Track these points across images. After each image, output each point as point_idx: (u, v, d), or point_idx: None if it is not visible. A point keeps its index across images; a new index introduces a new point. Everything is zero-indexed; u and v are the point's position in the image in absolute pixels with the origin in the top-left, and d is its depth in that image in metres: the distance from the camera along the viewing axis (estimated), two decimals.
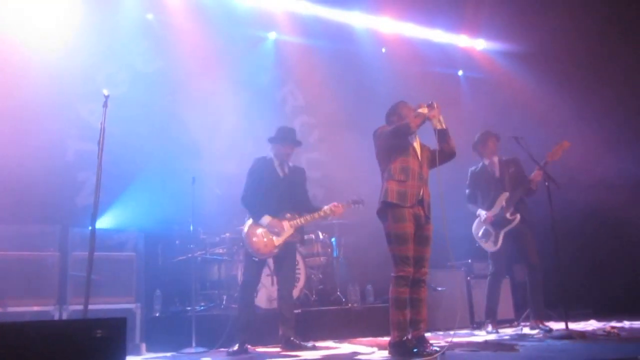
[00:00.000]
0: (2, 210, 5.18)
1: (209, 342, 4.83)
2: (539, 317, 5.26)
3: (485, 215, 5.44)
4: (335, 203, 4.83)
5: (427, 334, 4.15)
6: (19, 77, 5.80)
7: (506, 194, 5.40)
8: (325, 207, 4.81)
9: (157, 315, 5.28)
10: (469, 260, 6.32)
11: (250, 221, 4.73)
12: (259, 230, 4.66)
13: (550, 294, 5.45)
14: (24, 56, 5.90)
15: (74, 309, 4.67)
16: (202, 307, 5.56)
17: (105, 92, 3.84)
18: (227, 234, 5.95)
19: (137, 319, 4.89)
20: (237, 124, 7.27)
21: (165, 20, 7.04)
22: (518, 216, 5.32)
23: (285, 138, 4.86)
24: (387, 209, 3.97)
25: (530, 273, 5.32)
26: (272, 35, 7.83)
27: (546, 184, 5.09)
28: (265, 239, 4.64)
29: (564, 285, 4.82)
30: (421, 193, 4.01)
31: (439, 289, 5.72)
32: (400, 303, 3.90)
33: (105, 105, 3.84)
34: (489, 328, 5.40)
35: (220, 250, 5.93)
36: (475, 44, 8.79)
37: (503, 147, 6.12)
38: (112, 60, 6.66)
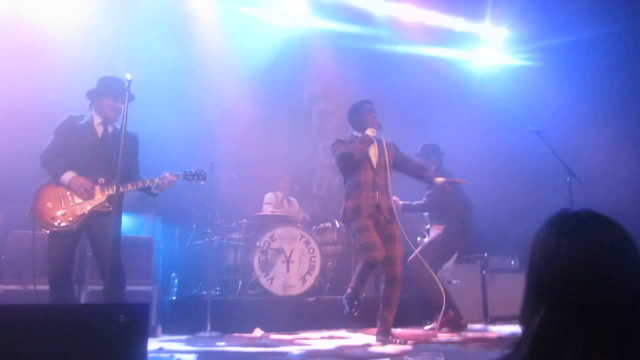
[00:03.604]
0: (22, 190, 5.23)
1: (224, 326, 4.87)
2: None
3: None
4: (166, 173, 4.06)
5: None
6: (37, 59, 5.80)
7: None
8: (154, 178, 3.99)
9: (174, 298, 5.33)
10: (485, 254, 6.27)
11: (45, 184, 3.76)
12: (59, 193, 3.68)
13: None
14: (43, 38, 5.89)
15: (92, 289, 4.72)
16: (217, 292, 5.61)
17: (128, 76, 3.74)
18: (244, 220, 5.97)
19: (153, 302, 4.92)
20: (254, 110, 7.26)
21: (186, 4, 7.00)
22: None
23: (112, 90, 3.90)
24: (348, 222, 4.36)
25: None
26: (290, 22, 7.75)
27: (567, 179, 5.04)
28: (63, 204, 3.65)
29: None
30: (376, 202, 4.24)
31: (454, 282, 5.70)
32: (363, 276, 4.25)
33: (128, 89, 3.82)
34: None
35: (237, 236, 5.95)
36: (498, 33, 8.63)
37: (524, 140, 6.04)
38: (132, 43, 6.65)
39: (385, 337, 4.21)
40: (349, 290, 4.30)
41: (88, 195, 3.70)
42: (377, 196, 4.25)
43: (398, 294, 4.27)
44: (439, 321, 4.89)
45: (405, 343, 4.14)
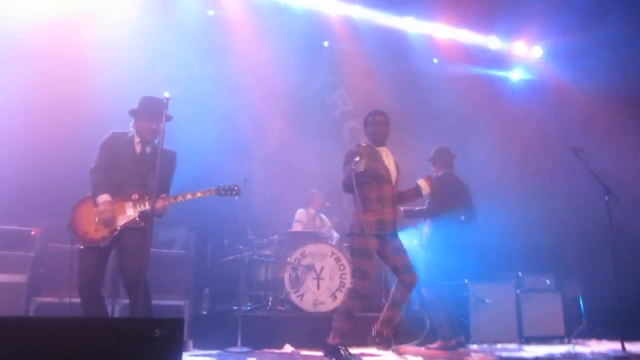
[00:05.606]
0: (60, 205, 5.37)
1: (254, 342, 4.87)
2: None
3: None
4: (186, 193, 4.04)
5: (473, 346, 4.37)
6: (78, 73, 5.97)
7: None
8: (178, 195, 4.00)
9: (205, 313, 5.37)
10: (519, 274, 6.13)
11: (83, 199, 3.88)
12: (94, 210, 3.80)
13: (607, 312, 5.25)
14: (84, 54, 6.08)
15: (125, 302, 4.80)
16: (248, 308, 5.63)
17: (167, 94, 3.86)
18: (275, 236, 6.00)
19: (185, 316, 4.98)
20: (286, 127, 7.33)
21: (222, 21, 7.16)
22: None
23: (150, 112, 3.98)
24: (360, 234, 4.10)
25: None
26: (325, 41, 7.85)
27: (606, 198, 4.92)
28: (96, 220, 3.77)
29: (621, 304, 4.64)
30: (394, 217, 4.21)
31: (487, 300, 5.59)
32: (349, 314, 4.07)
33: (165, 107, 3.90)
34: None
35: (268, 252, 5.98)
36: (533, 51, 8.53)
37: (560, 158, 5.92)
38: (170, 60, 6.82)
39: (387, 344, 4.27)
40: (330, 341, 4.07)
41: (111, 218, 3.77)
42: (394, 211, 4.24)
43: (407, 298, 4.31)
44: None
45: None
